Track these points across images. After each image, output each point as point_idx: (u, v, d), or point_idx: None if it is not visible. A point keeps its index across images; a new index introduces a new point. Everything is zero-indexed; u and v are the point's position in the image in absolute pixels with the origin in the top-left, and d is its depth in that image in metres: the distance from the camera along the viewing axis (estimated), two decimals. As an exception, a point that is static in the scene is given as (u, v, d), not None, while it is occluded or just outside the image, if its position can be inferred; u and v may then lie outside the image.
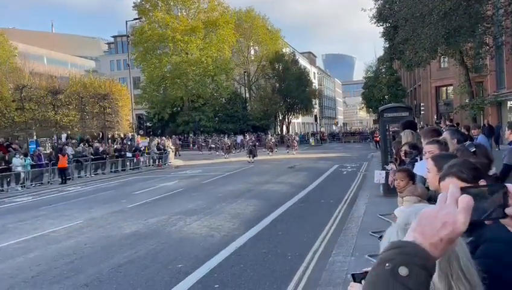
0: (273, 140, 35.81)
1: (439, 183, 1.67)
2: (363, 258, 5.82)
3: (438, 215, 0.83)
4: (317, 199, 11.96)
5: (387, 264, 0.79)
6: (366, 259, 5.72)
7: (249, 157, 25.75)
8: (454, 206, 0.83)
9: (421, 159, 4.54)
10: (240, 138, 41.79)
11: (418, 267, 0.78)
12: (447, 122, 10.81)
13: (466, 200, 0.83)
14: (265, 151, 32.04)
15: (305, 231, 8.25)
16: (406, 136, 4.57)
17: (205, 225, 9.10)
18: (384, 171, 7.12)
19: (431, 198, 3.56)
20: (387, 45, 27.47)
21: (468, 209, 0.82)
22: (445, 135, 3.48)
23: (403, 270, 0.77)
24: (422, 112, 34.96)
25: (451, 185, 0.87)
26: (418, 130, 5.69)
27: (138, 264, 6.63)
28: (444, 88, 39.74)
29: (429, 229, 0.83)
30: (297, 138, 38.86)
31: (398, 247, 0.82)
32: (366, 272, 1.05)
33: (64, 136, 28.18)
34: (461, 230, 0.82)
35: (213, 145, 37.37)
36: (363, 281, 1.31)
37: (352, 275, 1.38)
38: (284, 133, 55.22)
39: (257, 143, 35.50)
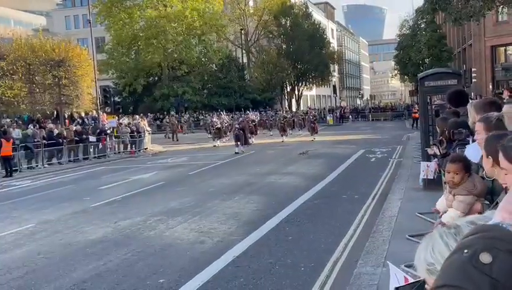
0: (288, 117, 34.65)
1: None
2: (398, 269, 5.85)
3: None
4: (337, 193, 11.99)
5: (465, 251, 0.81)
6: (402, 270, 5.75)
7: (237, 145, 23.69)
8: None
9: (474, 140, 4.54)
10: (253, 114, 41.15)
11: (504, 253, 0.79)
12: (507, 93, 10.75)
13: None
14: (266, 134, 31.99)
15: (322, 235, 8.29)
16: (475, 110, 4.43)
17: (193, 229, 9.15)
18: (433, 163, 7.06)
19: (492, 191, 3.54)
20: (429, -8, 27.18)
21: None
22: (507, 108, 3.45)
23: (485, 257, 0.79)
24: (473, 80, 34.80)
25: None
26: (470, 103, 5.64)
27: (108, 280, 6.67)
28: (503, 48, 39.50)
29: None
30: (316, 116, 36.90)
31: (480, 231, 0.84)
32: (417, 283, 1.05)
33: None
34: None
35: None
36: None
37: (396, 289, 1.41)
38: (298, 109, 54.84)
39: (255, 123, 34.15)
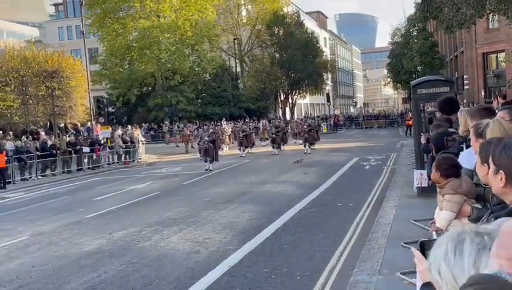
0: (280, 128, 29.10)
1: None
2: (394, 277, 5.85)
3: None
4: (332, 202, 12.00)
5: None
6: (398, 277, 5.75)
7: (205, 161, 20.56)
8: None
9: (467, 146, 4.56)
10: (264, 122, 39.71)
11: None
12: (500, 100, 10.79)
13: None
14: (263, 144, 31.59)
15: (317, 243, 8.28)
16: (463, 118, 4.44)
17: (188, 239, 9.12)
18: (425, 171, 7.07)
19: (479, 196, 3.56)
20: (420, 0, 27.38)
21: None
22: (502, 114, 3.47)
23: None
24: (466, 87, 35.02)
25: None
26: (461, 110, 5.67)
27: (103, 291, 6.63)
28: (494, 55, 39.76)
29: None
30: (312, 125, 30.87)
31: (480, 283, 0.80)
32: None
33: None
34: None
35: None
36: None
37: (421, 243, 1.40)
38: (294, 117, 54.55)
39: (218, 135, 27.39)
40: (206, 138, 20.95)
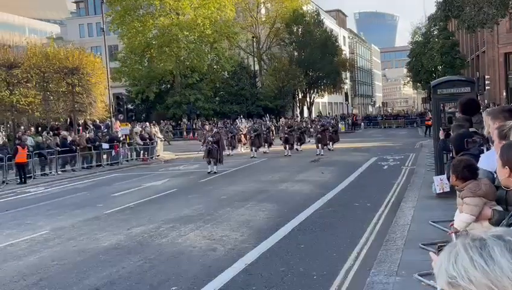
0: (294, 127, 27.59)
1: None
2: (412, 278, 5.82)
3: None
4: (349, 201, 11.96)
5: None
6: (416, 279, 5.72)
7: (208, 163, 19.57)
8: None
9: (488, 149, 4.52)
10: (284, 120, 38.74)
11: None
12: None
13: None
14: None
15: (334, 243, 8.27)
16: (491, 118, 4.36)
17: (205, 236, 9.17)
18: (445, 176, 6.93)
19: (501, 199, 3.52)
20: (441, -1, 27.16)
21: None
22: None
23: None
24: (487, 87, 34.56)
25: None
26: (486, 112, 5.60)
27: (120, 287, 6.71)
28: (516, 55, 39.19)
29: None
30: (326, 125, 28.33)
31: None
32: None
33: None
34: None
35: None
36: None
37: (440, 247, 1.39)
38: (312, 115, 54.52)
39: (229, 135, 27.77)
40: (210, 139, 19.83)
